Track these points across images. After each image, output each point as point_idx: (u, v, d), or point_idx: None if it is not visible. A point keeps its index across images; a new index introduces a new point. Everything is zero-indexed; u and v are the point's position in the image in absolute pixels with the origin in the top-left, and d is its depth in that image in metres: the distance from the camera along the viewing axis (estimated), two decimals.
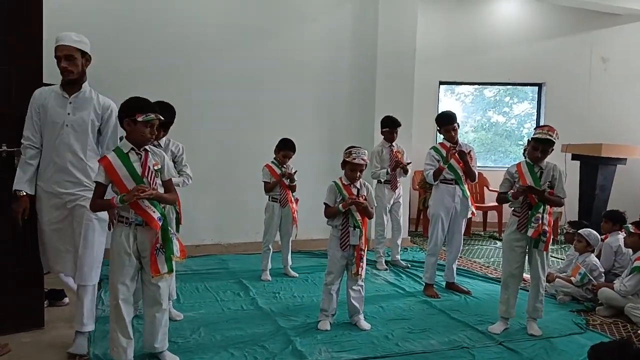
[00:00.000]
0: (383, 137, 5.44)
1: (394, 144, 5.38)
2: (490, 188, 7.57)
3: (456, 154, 4.36)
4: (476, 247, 6.60)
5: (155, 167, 2.78)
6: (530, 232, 3.50)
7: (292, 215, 4.89)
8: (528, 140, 3.97)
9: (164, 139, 3.62)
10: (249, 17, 5.91)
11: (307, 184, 6.26)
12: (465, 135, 8.57)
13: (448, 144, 4.45)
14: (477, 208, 7.17)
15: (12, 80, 3.14)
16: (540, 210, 3.48)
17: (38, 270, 3.30)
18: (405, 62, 6.40)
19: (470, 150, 4.49)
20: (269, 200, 4.90)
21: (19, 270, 3.25)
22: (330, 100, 6.34)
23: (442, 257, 4.98)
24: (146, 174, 2.72)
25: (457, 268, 4.78)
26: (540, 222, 3.47)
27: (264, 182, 4.83)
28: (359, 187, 3.59)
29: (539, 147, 3.49)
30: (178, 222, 3.54)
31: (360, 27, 6.38)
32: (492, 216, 7.37)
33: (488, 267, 5.59)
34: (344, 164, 3.57)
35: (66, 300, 3.98)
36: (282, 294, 4.41)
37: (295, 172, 4.86)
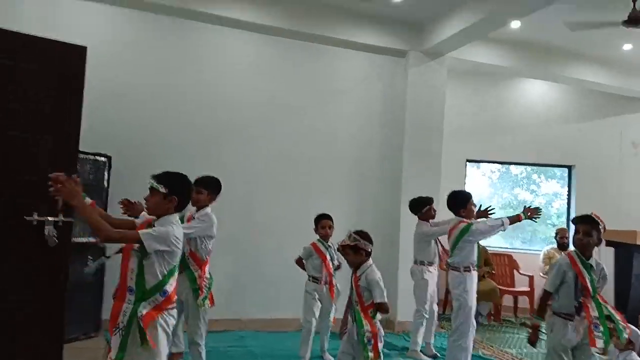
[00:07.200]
0: None
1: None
2: (520, 271, 7.28)
3: None
4: (507, 336, 6.12)
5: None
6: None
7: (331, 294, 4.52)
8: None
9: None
10: (281, 94, 6.01)
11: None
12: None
13: None
14: (507, 293, 6.92)
15: (48, 148, 3.12)
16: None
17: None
18: (433, 139, 6.39)
19: None
20: (308, 279, 4.56)
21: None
22: (359, 176, 6.32)
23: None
24: None
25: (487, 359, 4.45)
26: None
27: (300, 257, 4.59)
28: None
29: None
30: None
31: (389, 103, 6.44)
32: (523, 301, 7.01)
33: (521, 358, 5.23)
34: None
35: None
36: None
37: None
